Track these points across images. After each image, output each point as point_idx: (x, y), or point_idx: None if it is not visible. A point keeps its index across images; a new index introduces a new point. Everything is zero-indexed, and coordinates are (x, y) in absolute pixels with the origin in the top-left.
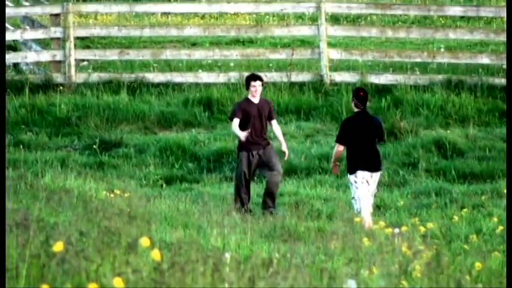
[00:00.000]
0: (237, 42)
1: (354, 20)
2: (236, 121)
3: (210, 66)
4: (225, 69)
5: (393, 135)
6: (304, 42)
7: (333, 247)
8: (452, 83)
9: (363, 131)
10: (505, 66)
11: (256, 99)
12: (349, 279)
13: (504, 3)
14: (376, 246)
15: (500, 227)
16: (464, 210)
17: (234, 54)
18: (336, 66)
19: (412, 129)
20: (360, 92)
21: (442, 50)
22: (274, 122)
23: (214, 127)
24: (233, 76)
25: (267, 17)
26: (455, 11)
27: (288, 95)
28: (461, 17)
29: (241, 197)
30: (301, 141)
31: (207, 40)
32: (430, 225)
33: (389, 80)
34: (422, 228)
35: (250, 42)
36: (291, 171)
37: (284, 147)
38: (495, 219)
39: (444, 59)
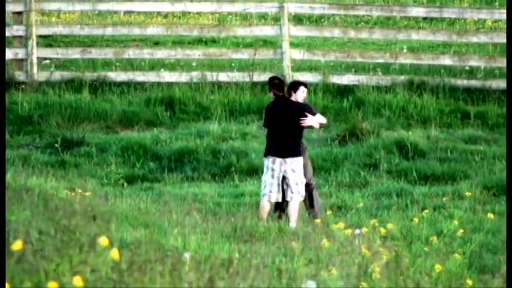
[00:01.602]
0: (199, 41)
1: (316, 21)
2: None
3: (173, 66)
4: (187, 69)
5: (355, 136)
6: (266, 42)
7: (293, 248)
8: (414, 84)
9: (276, 116)
10: (467, 68)
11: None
12: (308, 280)
13: (467, 5)
14: (336, 247)
15: (461, 230)
16: (425, 211)
17: (196, 53)
18: (298, 67)
19: (373, 130)
20: (275, 80)
21: (405, 50)
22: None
23: (176, 126)
24: (195, 76)
25: (230, 16)
26: (418, 11)
27: (250, 95)
28: (424, 18)
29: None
30: (263, 141)
31: (170, 39)
32: (390, 226)
33: (351, 80)
34: (382, 230)
35: (212, 41)
36: (252, 171)
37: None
38: (456, 221)
39: (406, 59)
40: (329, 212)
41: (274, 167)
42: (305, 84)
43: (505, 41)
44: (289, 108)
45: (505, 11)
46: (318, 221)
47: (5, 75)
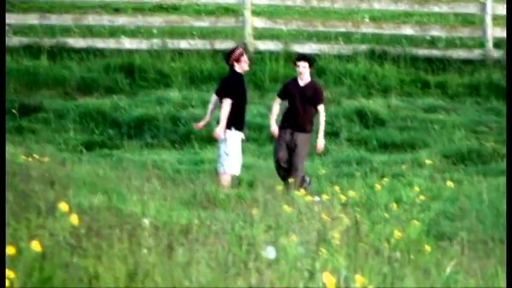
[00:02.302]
0: (160, 8)
1: None
2: (276, 100)
3: (133, 33)
4: (147, 36)
5: None
6: (228, 10)
7: (253, 214)
8: (375, 53)
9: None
10: (428, 38)
11: (302, 82)
12: (268, 246)
13: None
14: (296, 213)
15: (421, 197)
16: (385, 179)
17: (157, 20)
18: (260, 35)
19: (334, 98)
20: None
21: (366, 20)
22: (320, 108)
23: (135, 93)
24: (156, 43)
25: None
26: None
27: (211, 63)
28: None
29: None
30: None
31: (130, 6)
32: (350, 193)
33: (313, 49)
34: (342, 197)
35: (174, 8)
36: (211, 138)
37: (319, 141)
38: (415, 189)
39: (368, 29)
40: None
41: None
42: (299, 58)
43: (465, 10)
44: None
45: None
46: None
47: (5, 73)
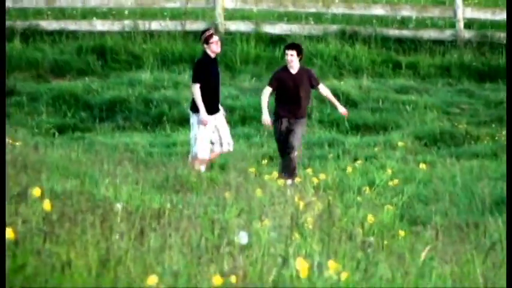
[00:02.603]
0: None
1: None
2: (267, 90)
3: (105, 14)
4: (119, 18)
5: None
6: None
7: (226, 198)
8: (346, 34)
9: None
10: (399, 18)
11: (293, 70)
12: (240, 231)
13: None
14: (269, 197)
15: (395, 180)
16: (358, 161)
17: (128, 2)
18: (230, 15)
19: None
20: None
21: (337, 0)
22: (321, 87)
23: (107, 76)
24: (127, 24)
25: None
26: None
27: (182, 44)
28: None
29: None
30: None
31: None
32: (322, 176)
33: (283, 30)
34: (315, 180)
35: None
36: (183, 120)
37: (340, 109)
38: (388, 171)
39: (339, 9)
40: (263, 162)
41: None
42: (288, 46)
43: None
44: None
45: None
46: (251, 170)
47: (5, 76)
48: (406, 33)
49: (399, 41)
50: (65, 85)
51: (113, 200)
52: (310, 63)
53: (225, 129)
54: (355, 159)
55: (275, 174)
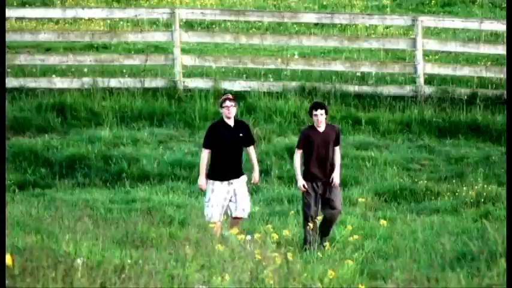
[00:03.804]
0: (91, 47)
1: (208, 26)
2: (298, 152)
3: (64, 72)
4: (78, 75)
5: None
6: (158, 48)
7: (185, 253)
8: (305, 90)
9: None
10: (358, 74)
11: (321, 128)
12: (200, 286)
13: (358, 11)
14: (229, 252)
15: (355, 236)
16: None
17: (88, 59)
18: (189, 73)
19: (265, 136)
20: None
21: (296, 56)
22: (336, 149)
23: (67, 133)
24: (87, 82)
25: (121, 22)
26: (310, 17)
27: (142, 101)
28: (316, 24)
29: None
30: (154, 147)
31: (61, 45)
32: (285, 232)
33: (242, 86)
34: (275, 235)
35: (104, 47)
36: (143, 177)
37: (336, 179)
38: (349, 227)
39: (298, 65)
40: (223, 218)
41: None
42: (316, 107)
43: (396, 46)
44: None
45: (395, 17)
46: (211, 225)
47: (4, 76)
48: (365, 89)
49: (359, 97)
50: (24, 142)
51: (74, 256)
52: (269, 120)
53: (244, 196)
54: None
55: (235, 229)
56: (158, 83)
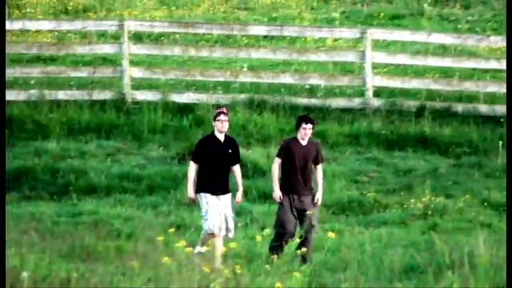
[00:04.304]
0: (38, 59)
1: (156, 39)
2: (277, 162)
3: (11, 84)
4: (25, 87)
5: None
6: (106, 60)
7: (132, 267)
8: (254, 103)
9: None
10: (307, 86)
11: (304, 142)
12: None
13: (307, 23)
14: (176, 265)
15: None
16: (266, 230)
17: (35, 71)
18: (138, 85)
19: None
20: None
21: (245, 69)
22: (319, 167)
23: (14, 145)
24: (33, 94)
25: (69, 34)
26: (259, 30)
27: (89, 113)
28: (265, 37)
29: (278, 247)
30: (102, 160)
31: (8, 57)
32: (232, 245)
33: (191, 99)
34: (223, 248)
35: (51, 59)
36: (90, 190)
37: (318, 196)
38: (297, 240)
39: (247, 78)
40: (171, 231)
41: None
42: (305, 119)
43: (345, 59)
44: None
45: (344, 30)
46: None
47: (5, 76)
48: (314, 101)
49: (308, 109)
50: None
51: (20, 269)
52: None
53: (229, 215)
54: (263, 228)
55: (183, 242)
56: (106, 95)
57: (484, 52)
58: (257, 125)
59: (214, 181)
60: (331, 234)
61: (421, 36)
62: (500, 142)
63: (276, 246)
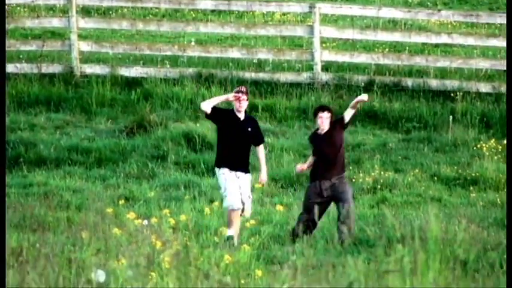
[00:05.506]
0: None
1: (104, 13)
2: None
3: None
4: None
5: (143, 128)
6: (55, 34)
7: (82, 237)
8: (202, 77)
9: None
10: (255, 61)
11: (321, 130)
12: (97, 269)
13: None
14: (126, 237)
15: (252, 221)
16: (214, 203)
17: None
18: (86, 59)
19: (161, 122)
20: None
21: (193, 43)
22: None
23: None
24: None
25: (18, 8)
26: (207, 4)
27: (38, 86)
28: (213, 11)
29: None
30: (51, 132)
31: None
32: (182, 217)
33: (139, 72)
34: (172, 220)
35: None
36: (40, 162)
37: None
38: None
39: (195, 52)
40: (120, 203)
41: None
42: (322, 109)
43: (293, 33)
44: None
45: (293, 4)
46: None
47: (5, 75)
48: (262, 76)
49: (256, 83)
50: None
51: None
52: (166, 106)
53: (247, 196)
54: (212, 201)
55: (132, 214)
56: (55, 68)
57: (434, 26)
58: (205, 99)
59: (232, 157)
60: (279, 208)
61: (370, 11)
62: (451, 117)
63: (298, 228)
